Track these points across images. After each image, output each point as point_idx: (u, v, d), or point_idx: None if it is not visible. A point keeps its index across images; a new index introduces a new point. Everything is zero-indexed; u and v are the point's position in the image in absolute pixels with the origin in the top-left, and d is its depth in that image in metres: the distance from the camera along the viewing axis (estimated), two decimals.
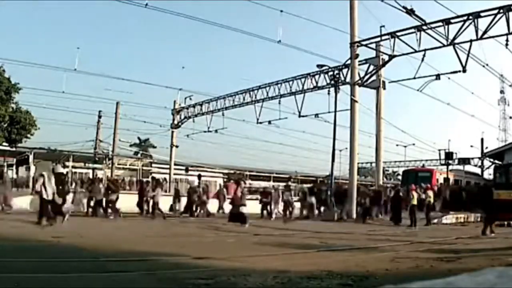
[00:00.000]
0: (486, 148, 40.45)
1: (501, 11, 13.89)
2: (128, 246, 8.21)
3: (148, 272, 5.75)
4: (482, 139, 40.45)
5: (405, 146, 41.12)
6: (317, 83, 20.49)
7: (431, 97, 20.04)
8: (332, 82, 19.13)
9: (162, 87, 38.55)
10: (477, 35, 14.53)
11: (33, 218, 11.31)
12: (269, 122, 23.74)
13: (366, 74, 18.40)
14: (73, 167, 27.32)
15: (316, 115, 21.10)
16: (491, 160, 40.45)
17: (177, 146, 29.09)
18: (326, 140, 34.19)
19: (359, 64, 18.63)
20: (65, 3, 59.77)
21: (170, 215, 17.12)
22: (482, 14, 14.34)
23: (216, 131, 26.25)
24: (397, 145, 39.99)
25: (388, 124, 21.20)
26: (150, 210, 16.28)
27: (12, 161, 26.75)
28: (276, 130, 26.80)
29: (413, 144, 39.21)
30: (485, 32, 14.30)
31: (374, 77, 18.25)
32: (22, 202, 16.14)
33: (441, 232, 14.13)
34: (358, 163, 20.98)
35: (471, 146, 40.96)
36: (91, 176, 30.43)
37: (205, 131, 26.81)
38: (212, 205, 18.93)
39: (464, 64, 15.15)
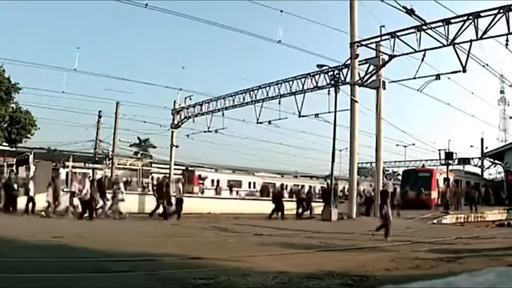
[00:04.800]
0: (486, 148, 40.54)
1: (501, 11, 13.87)
2: (128, 246, 8.21)
3: (148, 272, 5.75)
4: (482, 139, 40.52)
5: (405, 146, 41.21)
6: (317, 83, 20.46)
7: (431, 97, 20.04)
8: (332, 82, 19.09)
9: (162, 87, 38.62)
10: (477, 35, 14.51)
11: None
12: (269, 122, 23.71)
13: (366, 74, 18.37)
14: (73, 167, 27.28)
15: (316, 115, 21.07)
16: (491, 160, 40.51)
17: (177, 146, 29.07)
18: (326, 140, 34.28)
19: (359, 64, 18.60)
20: (65, 3, 59.87)
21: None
22: (482, 14, 14.32)
23: (216, 131, 26.23)
24: (397, 145, 40.09)
25: (388, 124, 21.19)
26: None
27: (12, 161, 26.74)
28: (276, 130, 26.84)
29: (413, 144, 39.30)
30: (485, 32, 14.29)
31: (374, 77, 18.23)
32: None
33: (441, 232, 14.12)
34: (358, 163, 20.95)
35: (471, 146, 41.02)
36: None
37: (205, 131, 26.78)
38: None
39: (464, 64, 15.12)
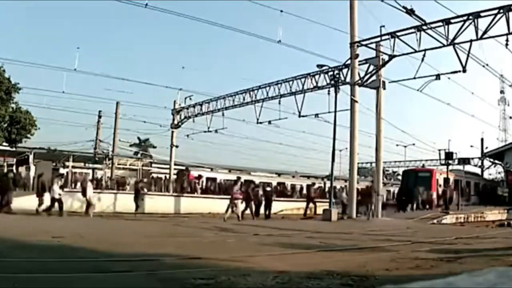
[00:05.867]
0: (486, 148, 40.60)
1: (501, 11, 13.88)
2: (128, 246, 8.21)
3: (148, 272, 5.75)
4: (482, 139, 40.57)
5: (405, 146, 41.22)
6: (317, 83, 20.47)
7: (431, 97, 20.07)
8: (332, 82, 19.10)
9: (162, 87, 38.65)
10: (477, 35, 14.52)
11: None
12: (269, 122, 23.73)
13: (366, 74, 18.38)
14: (73, 167, 27.29)
15: (316, 115, 21.08)
16: (491, 160, 40.55)
17: (177, 146, 29.06)
18: (326, 140, 34.32)
19: (359, 64, 18.61)
20: (65, 3, 59.89)
21: None
22: (482, 14, 14.32)
23: (216, 131, 26.24)
24: (397, 145, 40.10)
25: (388, 124, 21.19)
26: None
27: (12, 161, 26.74)
28: (276, 130, 26.85)
29: (413, 144, 39.35)
30: (485, 32, 14.29)
31: (374, 77, 18.23)
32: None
33: (441, 232, 14.12)
34: (358, 163, 20.95)
35: (471, 146, 41.05)
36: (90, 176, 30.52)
37: (205, 131, 26.80)
38: None
39: (464, 64, 15.13)
